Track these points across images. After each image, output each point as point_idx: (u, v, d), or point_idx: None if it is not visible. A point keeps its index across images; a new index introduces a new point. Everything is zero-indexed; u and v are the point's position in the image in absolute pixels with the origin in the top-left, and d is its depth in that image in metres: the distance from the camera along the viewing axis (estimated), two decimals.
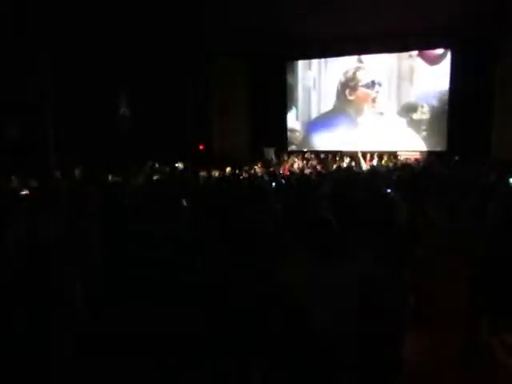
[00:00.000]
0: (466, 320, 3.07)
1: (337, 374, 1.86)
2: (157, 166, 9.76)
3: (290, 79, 15.69)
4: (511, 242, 2.96)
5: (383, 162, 11.89)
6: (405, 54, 13.88)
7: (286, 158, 13.38)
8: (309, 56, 15.15)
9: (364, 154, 12.06)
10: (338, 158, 12.90)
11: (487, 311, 2.95)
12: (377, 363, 2.17)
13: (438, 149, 13.63)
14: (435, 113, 13.71)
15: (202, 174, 8.84)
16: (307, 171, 10.08)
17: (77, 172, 8.19)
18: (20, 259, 2.14)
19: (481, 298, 2.98)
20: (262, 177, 8.31)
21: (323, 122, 15.25)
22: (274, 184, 6.78)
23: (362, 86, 14.61)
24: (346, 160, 12.17)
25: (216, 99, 14.83)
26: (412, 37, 12.77)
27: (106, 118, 10.82)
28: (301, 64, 15.54)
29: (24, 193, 4.10)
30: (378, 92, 14.40)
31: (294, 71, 15.62)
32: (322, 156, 13.59)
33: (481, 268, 3.03)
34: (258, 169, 10.55)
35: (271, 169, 10.89)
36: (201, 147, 14.55)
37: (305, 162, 12.55)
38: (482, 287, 2.96)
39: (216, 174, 9.18)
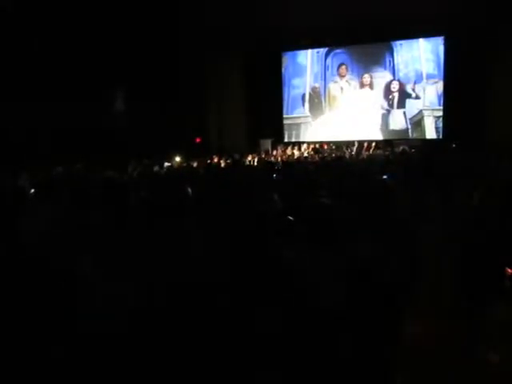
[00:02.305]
0: (456, 307, 3.09)
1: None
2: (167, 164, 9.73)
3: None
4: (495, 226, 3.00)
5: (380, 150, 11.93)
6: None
7: (282, 149, 13.40)
8: (303, 47, 15.20)
9: (361, 143, 12.11)
10: (334, 147, 12.94)
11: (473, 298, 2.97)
12: (375, 337, 2.23)
13: (434, 137, 13.73)
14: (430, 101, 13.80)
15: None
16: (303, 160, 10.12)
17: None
18: (31, 247, 2.20)
19: (466, 283, 3.01)
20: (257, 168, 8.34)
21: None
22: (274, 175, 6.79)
23: None
24: (343, 149, 12.23)
25: (213, 91, 14.82)
26: (406, 24, 12.73)
27: (101, 113, 10.82)
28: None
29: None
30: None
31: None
32: (318, 146, 13.64)
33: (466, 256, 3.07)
34: (252, 158, 10.55)
35: (266, 158, 10.92)
36: (197, 140, 14.56)
37: (301, 151, 12.56)
38: (468, 275, 3.00)
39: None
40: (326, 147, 13.14)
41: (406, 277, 3.03)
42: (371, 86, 14.45)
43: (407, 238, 3.52)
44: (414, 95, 13.89)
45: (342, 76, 14.94)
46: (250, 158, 10.68)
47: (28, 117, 8.91)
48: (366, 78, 14.50)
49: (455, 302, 3.04)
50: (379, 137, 14.16)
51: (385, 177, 5.58)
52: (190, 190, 3.17)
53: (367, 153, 11.32)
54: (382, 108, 14.37)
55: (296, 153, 12.24)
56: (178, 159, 10.10)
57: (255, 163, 9.80)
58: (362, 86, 14.59)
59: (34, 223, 2.53)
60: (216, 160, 10.13)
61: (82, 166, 7.56)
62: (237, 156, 10.56)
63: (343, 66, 14.88)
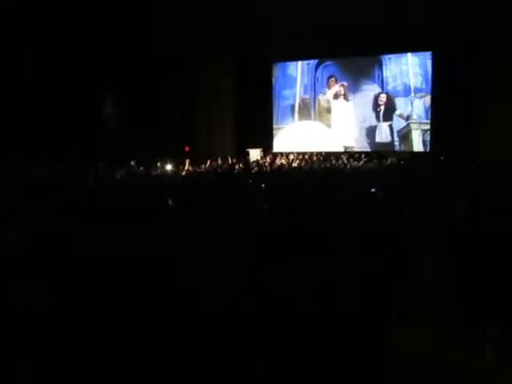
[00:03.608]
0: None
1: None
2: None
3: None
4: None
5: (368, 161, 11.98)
6: None
7: (271, 159, 13.39)
8: (294, 58, 15.34)
9: (349, 155, 12.18)
10: (322, 158, 12.99)
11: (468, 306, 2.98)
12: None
13: (422, 150, 13.89)
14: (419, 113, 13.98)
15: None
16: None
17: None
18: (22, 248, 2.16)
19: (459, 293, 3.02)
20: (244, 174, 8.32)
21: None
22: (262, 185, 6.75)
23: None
24: (332, 160, 12.26)
25: (202, 101, 14.81)
26: (395, 38, 12.90)
27: (91, 119, 10.75)
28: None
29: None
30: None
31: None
32: (307, 157, 13.69)
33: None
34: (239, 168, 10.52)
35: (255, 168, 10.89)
36: (186, 149, 14.49)
37: (290, 162, 12.56)
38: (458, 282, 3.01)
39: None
40: (314, 158, 13.18)
41: (400, 282, 3.05)
42: (345, 96, 14.68)
43: (399, 245, 3.54)
44: (400, 112, 14.09)
45: (331, 88, 15.10)
46: (237, 167, 10.66)
47: (25, 117, 8.86)
48: (340, 88, 14.74)
49: (451, 305, 3.05)
50: (367, 149, 14.33)
51: (373, 190, 5.61)
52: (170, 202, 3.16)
53: (356, 164, 11.37)
54: (370, 121, 14.53)
55: (285, 163, 12.24)
56: (169, 167, 10.05)
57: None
58: (336, 96, 14.80)
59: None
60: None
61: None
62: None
63: (333, 78, 15.04)
